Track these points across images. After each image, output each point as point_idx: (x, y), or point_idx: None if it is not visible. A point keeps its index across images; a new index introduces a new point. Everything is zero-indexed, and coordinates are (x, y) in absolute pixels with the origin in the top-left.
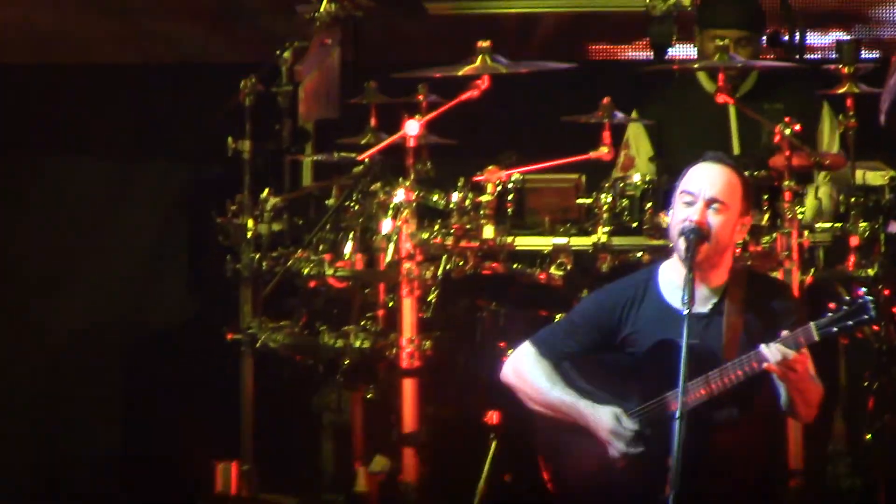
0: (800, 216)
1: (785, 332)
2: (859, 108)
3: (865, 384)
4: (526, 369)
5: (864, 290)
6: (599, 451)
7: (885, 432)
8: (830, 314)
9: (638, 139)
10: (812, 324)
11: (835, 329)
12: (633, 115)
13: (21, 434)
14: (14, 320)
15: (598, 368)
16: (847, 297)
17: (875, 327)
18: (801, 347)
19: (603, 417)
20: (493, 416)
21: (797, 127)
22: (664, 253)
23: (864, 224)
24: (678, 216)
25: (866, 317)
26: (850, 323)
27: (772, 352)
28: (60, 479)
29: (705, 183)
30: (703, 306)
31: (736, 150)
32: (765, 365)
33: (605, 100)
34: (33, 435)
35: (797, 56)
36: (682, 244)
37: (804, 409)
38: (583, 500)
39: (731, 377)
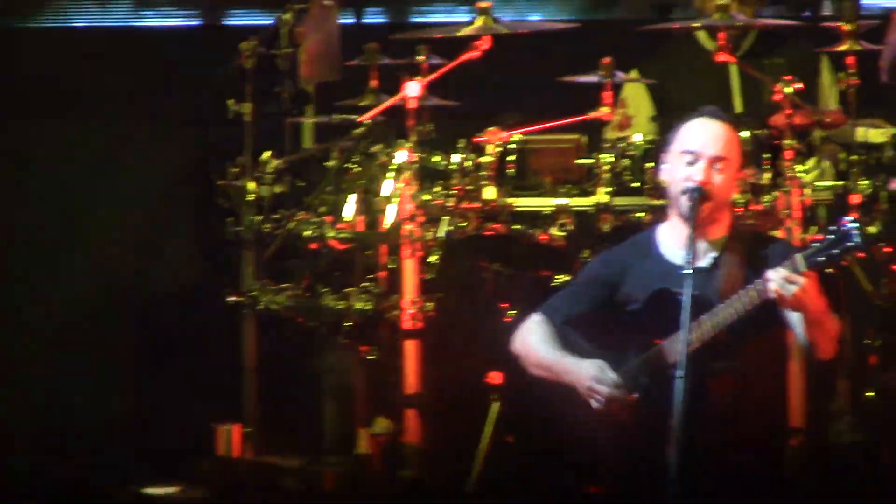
0: (801, 175)
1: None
2: (860, 65)
3: (868, 342)
4: (527, 333)
5: (848, 217)
6: (601, 415)
7: (888, 389)
8: (816, 244)
9: (638, 99)
10: (798, 254)
11: (821, 258)
12: (633, 74)
13: (25, 394)
14: (19, 283)
15: (599, 327)
16: (832, 227)
17: (861, 254)
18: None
19: (586, 369)
20: (495, 378)
21: (798, 85)
22: (665, 212)
23: (865, 182)
24: (679, 175)
25: (851, 244)
26: (836, 251)
27: (773, 273)
28: (64, 440)
29: (707, 141)
30: (703, 261)
31: (738, 108)
32: (769, 287)
33: (606, 59)
34: (37, 395)
35: (799, 13)
36: (685, 203)
37: (824, 342)
38: (597, 466)
39: (727, 321)
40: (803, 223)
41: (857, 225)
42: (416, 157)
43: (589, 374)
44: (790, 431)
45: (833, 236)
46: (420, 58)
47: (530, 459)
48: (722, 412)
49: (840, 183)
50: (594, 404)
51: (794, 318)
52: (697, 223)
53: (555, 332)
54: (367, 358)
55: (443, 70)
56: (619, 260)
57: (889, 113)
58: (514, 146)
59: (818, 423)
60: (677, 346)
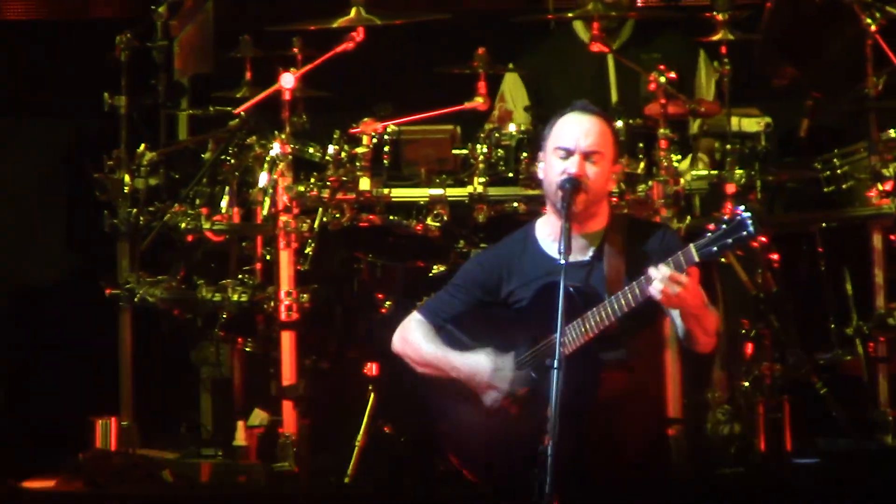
0: (675, 164)
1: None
2: (734, 54)
3: (743, 331)
4: (408, 334)
5: (741, 207)
6: (486, 408)
7: (763, 379)
8: (709, 234)
9: (514, 90)
10: (691, 245)
11: (714, 248)
12: (510, 66)
13: None
14: None
15: (484, 325)
16: (725, 216)
17: (754, 244)
18: (681, 271)
19: (478, 362)
20: (371, 368)
21: (672, 75)
22: (540, 202)
23: (739, 171)
24: (555, 170)
25: (745, 233)
26: (730, 241)
27: (656, 271)
28: None
29: (580, 136)
30: (584, 254)
31: (614, 99)
32: (652, 285)
33: (480, 50)
34: None
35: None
36: (559, 196)
37: (702, 336)
38: (477, 459)
39: (615, 313)
40: (678, 212)
41: (750, 214)
42: (290, 148)
43: (486, 367)
44: (669, 422)
45: (726, 225)
46: (294, 49)
47: (407, 449)
48: (612, 400)
49: (715, 172)
50: (488, 399)
51: (675, 311)
52: (573, 215)
53: (434, 331)
54: (244, 349)
55: (317, 61)
56: (497, 261)
57: (763, 102)
58: (388, 137)
59: (695, 414)
60: (566, 339)
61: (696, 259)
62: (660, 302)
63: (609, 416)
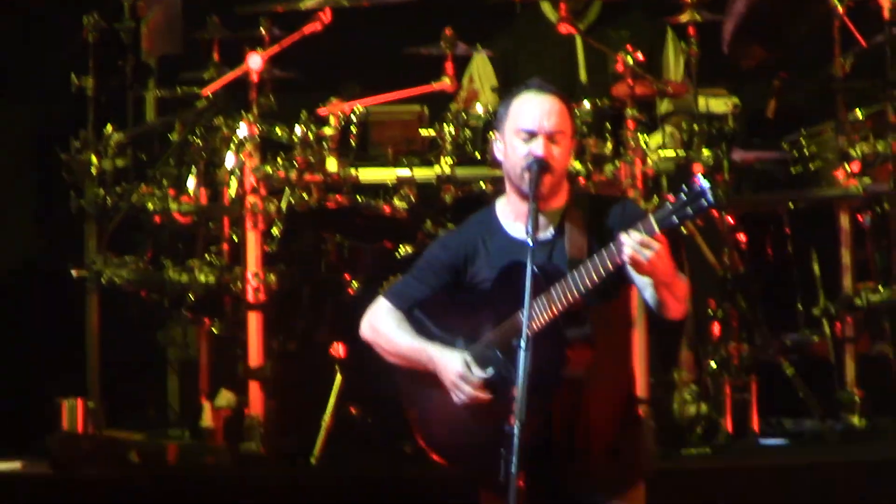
0: (643, 145)
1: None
2: (702, 35)
3: (710, 312)
4: (378, 322)
5: (701, 177)
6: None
7: (730, 359)
8: (669, 205)
9: (483, 71)
10: (651, 215)
11: (675, 219)
12: (478, 46)
13: None
14: None
15: (450, 309)
16: (685, 187)
17: (715, 213)
18: None
19: (451, 362)
20: (338, 350)
21: (639, 55)
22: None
23: (707, 152)
24: (518, 152)
25: (705, 202)
26: (690, 210)
27: (627, 237)
28: None
29: (542, 117)
30: (546, 232)
31: (583, 79)
32: (623, 251)
33: (447, 31)
34: None
35: None
36: (525, 177)
37: (674, 303)
38: (447, 441)
39: (578, 288)
40: (645, 193)
41: (709, 184)
42: (257, 129)
43: (455, 370)
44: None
45: (685, 196)
46: (262, 30)
47: (373, 430)
48: (578, 380)
49: (682, 153)
50: (455, 399)
51: (643, 280)
52: (539, 196)
53: (405, 318)
54: (211, 331)
55: (285, 42)
56: (460, 242)
57: (731, 83)
58: (355, 118)
59: (662, 394)
60: (531, 318)
61: (657, 230)
62: (631, 269)
63: (576, 394)
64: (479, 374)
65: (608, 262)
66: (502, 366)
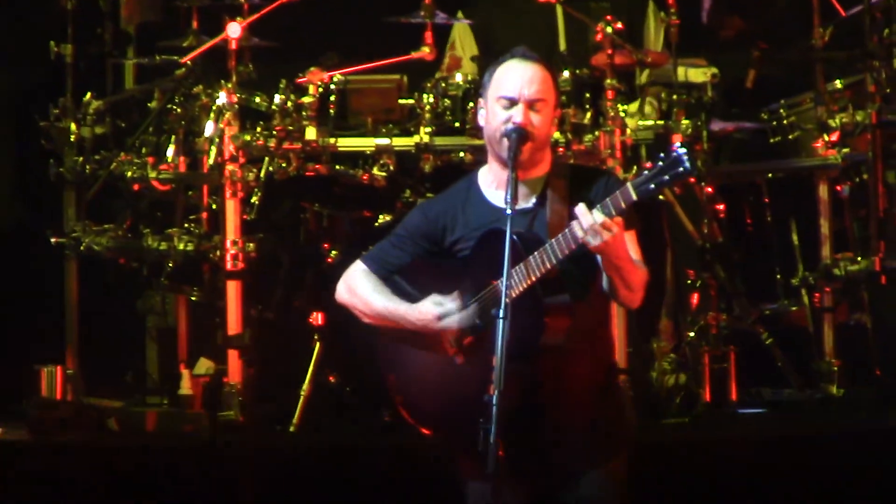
0: (622, 114)
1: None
2: (682, 5)
3: (689, 282)
4: (355, 284)
5: (678, 143)
6: (436, 358)
7: (709, 329)
8: (646, 172)
9: (464, 39)
10: (629, 183)
11: (652, 185)
12: (459, 15)
13: None
14: None
15: (430, 275)
16: (662, 153)
17: (692, 179)
18: (620, 212)
19: (425, 309)
20: (317, 318)
21: (619, 25)
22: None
23: (686, 121)
24: (498, 118)
25: (682, 169)
26: (667, 177)
27: (580, 220)
28: None
29: (523, 84)
30: (527, 201)
31: (563, 48)
32: (576, 234)
33: (427, 0)
34: None
35: None
36: (504, 144)
37: (624, 290)
38: (427, 410)
39: (554, 257)
40: (625, 162)
41: (686, 150)
42: (237, 97)
43: (430, 312)
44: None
45: (662, 163)
46: None
47: (352, 399)
48: (556, 347)
49: (661, 123)
50: (447, 344)
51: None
52: (519, 164)
53: (381, 282)
54: (190, 298)
55: (264, 10)
56: (441, 210)
57: (710, 53)
58: (335, 86)
59: (641, 363)
60: (511, 284)
61: (635, 197)
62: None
63: (555, 362)
64: (452, 305)
65: (570, 238)
66: (480, 333)
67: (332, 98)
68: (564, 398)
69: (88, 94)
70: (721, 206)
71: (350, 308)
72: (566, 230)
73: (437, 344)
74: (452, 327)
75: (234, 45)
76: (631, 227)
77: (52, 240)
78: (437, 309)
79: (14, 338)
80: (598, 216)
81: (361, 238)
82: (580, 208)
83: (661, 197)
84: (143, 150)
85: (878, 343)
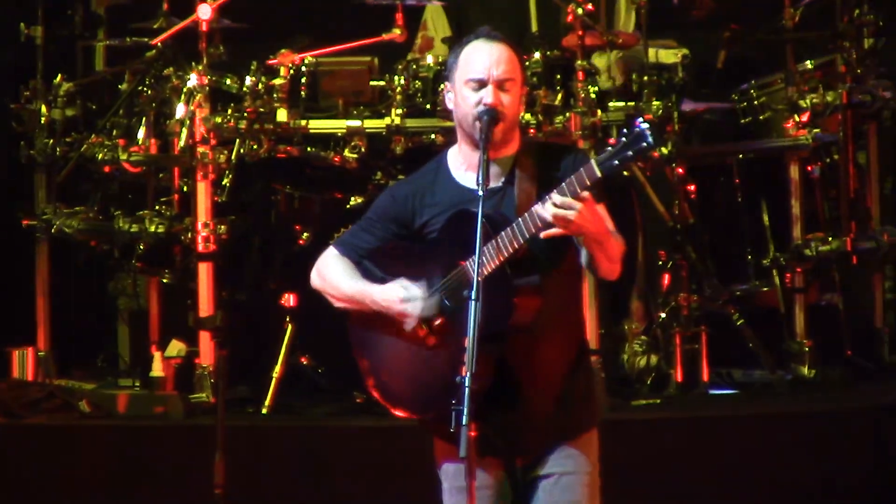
0: (593, 95)
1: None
2: None
3: (660, 262)
4: (326, 269)
5: (640, 119)
6: (408, 341)
7: (680, 310)
8: (610, 148)
9: (436, 20)
10: (592, 160)
11: (616, 162)
12: None
13: None
14: None
15: (400, 258)
16: (625, 129)
17: (654, 154)
18: (585, 189)
19: (390, 291)
20: (289, 300)
21: (590, 6)
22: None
23: (657, 102)
24: (469, 101)
25: (645, 144)
26: (630, 153)
27: (544, 208)
28: None
29: (491, 65)
30: (496, 181)
31: (534, 29)
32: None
33: None
34: None
35: None
36: (476, 126)
37: (605, 262)
38: (398, 392)
39: (521, 236)
40: (595, 144)
41: (648, 125)
42: (207, 79)
43: (397, 295)
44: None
45: (625, 139)
46: None
47: (323, 380)
48: (527, 328)
49: (632, 104)
50: (406, 326)
51: (578, 239)
52: (491, 145)
53: (352, 266)
54: (161, 281)
55: None
56: (409, 192)
57: (680, 34)
58: (306, 68)
59: (612, 345)
60: (481, 264)
61: (599, 174)
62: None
63: (525, 342)
64: (418, 291)
65: (538, 220)
66: (450, 314)
67: (304, 80)
68: (535, 378)
69: (59, 77)
70: (692, 187)
71: (322, 293)
72: (531, 209)
73: (405, 323)
74: (413, 314)
75: (204, 27)
76: (601, 201)
77: (23, 222)
78: (401, 293)
79: None
80: (562, 201)
81: (333, 220)
82: (541, 209)
83: (626, 174)
84: (114, 133)
85: (849, 323)
